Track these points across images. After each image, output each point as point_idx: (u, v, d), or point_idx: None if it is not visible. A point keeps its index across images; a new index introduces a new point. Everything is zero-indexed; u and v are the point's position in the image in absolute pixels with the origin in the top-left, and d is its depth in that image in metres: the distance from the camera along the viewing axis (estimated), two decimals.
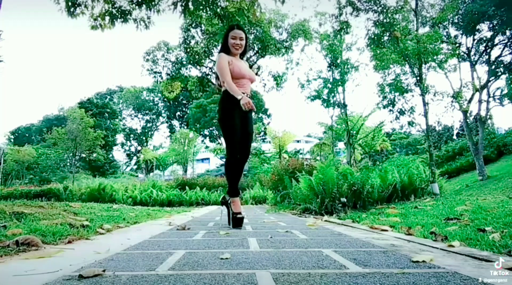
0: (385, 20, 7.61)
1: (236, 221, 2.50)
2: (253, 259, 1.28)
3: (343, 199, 3.89)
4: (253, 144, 24.37)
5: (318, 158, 21.79)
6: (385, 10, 7.61)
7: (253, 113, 2.72)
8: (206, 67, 16.15)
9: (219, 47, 2.80)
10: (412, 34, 7.20)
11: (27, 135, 44.53)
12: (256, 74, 16.34)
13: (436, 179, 5.48)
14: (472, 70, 11.62)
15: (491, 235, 1.56)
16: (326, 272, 1.06)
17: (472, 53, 11.72)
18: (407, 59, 6.81)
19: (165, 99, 42.81)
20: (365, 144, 20.41)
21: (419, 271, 1.06)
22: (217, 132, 38.01)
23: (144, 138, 46.55)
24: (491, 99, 11.54)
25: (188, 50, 15.22)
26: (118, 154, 45.63)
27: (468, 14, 10.70)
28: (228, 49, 2.65)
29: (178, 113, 47.27)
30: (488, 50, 11.73)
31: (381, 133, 19.91)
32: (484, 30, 11.54)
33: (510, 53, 11.46)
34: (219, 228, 2.49)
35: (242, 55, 2.77)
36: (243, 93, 2.50)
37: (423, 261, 1.17)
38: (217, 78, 2.78)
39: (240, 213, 2.52)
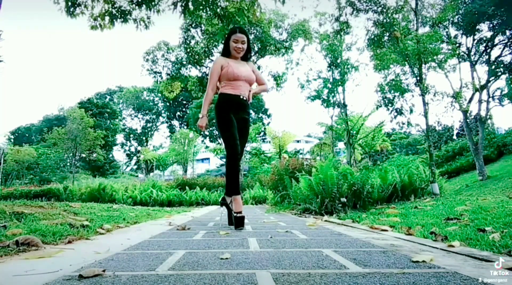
0: (385, 20, 7.61)
1: (237, 221, 2.43)
2: (253, 259, 1.28)
3: (343, 199, 3.89)
4: (253, 144, 24.42)
5: (318, 158, 21.79)
6: (385, 10, 7.61)
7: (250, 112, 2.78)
8: (206, 67, 16.14)
9: (219, 47, 2.83)
10: (412, 34, 7.19)
11: (27, 135, 44.57)
12: None
13: (436, 179, 5.48)
14: (472, 70, 11.62)
15: (491, 235, 1.56)
16: (326, 272, 1.06)
17: (472, 53, 11.72)
18: (407, 59, 6.81)
19: (165, 99, 42.84)
20: (365, 144, 20.41)
21: (419, 271, 1.06)
22: (217, 132, 38.03)
23: (144, 138, 46.57)
24: (491, 99, 11.54)
25: (188, 50, 15.21)
26: (118, 154, 45.71)
27: (468, 14, 10.70)
28: (229, 52, 2.68)
29: (178, 113, 47.31)
30: (488, 50, 11.74)
31: (381, 133, 19.92)
32: (484, 30, 11.56)
33: (510, 53, 11.47)
34: (219, 228, 2.49)
35: (245, 57, 2.78)
36: (236, 96, 2.62)
37: (423, 261, 1.17)
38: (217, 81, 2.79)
39: (241, 212, 2.48)
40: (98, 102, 38.65)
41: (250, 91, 2.74)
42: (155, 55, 16.38)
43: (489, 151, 14.53)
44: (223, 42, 2.92)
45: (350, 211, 3.85)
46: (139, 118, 47.46)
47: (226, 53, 2.71)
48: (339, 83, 13.38)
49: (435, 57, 7.17)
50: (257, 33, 14.60)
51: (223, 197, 2.72)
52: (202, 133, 34.07)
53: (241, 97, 2.64)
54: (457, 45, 11.61)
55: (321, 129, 24.78)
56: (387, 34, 7.71)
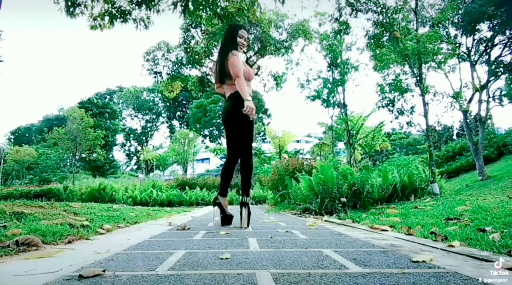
0: (384, 21, 7.61)
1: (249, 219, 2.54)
2: (253, 259, 1.28)
3: (343, 199, 3.89)
4: (253, 144, 24.38)
5: (318, 158, 21.79)
6: (384, 10, 7.61)
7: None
8: (206, 67, 16.15)
9: (219, 46, 2.78)
10: (412, 34, 7.19)
11: (27, 135, 44.60)
12: (256, 74, 16.36)
13: (436, 179, 5.48)
14: (472, 70, 11.61)
15: (491, 235, 1.56)
16: (326, 272, 1.06)
17: (472, 53, 11.71)
18: (407, 59, 6.81)
19: (165, 99, 42.87)
20: (365, 144, 20.42)
21: (419, 271, 1.06)
22: (217, 132, 38.03)
23: (144, 138, 46.58)
24: (491, 99, 11.53)
25: (188, 50, 15.22)
26: (118, 154, 45.73)
27: (468, 14, 10.70)
28: (236, 46, 2.66)
29: (178, 113, 47.34)
30: (488, 50, 11.73)
31: (381, 133, 19.90)
32: (484, 30, 11.54)
33: (510, 53, 11.45)
34: (219, 228, 2.49)
35: None
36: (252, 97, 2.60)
37: (423, 261, 1.17)
38: (221, 76, 2.66)
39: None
40: (98, 102, 38.64)
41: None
42: (155, 55, 16.39)
43: (489, 151, 14.53)
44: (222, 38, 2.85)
45: (350, 211, 3.85)
46: (139, 118, 47.48)
47: (235, 47, 2.64)
48: (339, 83, 13.38)
49: (435, 57, 7.16)
50: (257, 33, 14.60)
51: (217, 196, 2.74)
52: (202, 132, 34.08)
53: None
54: (457, 45, 11.60)
55: (321, 129, 24.79)
56: (387, 34, 7.71)
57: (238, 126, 2.57)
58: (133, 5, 5.47)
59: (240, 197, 2.62)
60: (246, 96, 2.46)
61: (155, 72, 16.57)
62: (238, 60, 2.56)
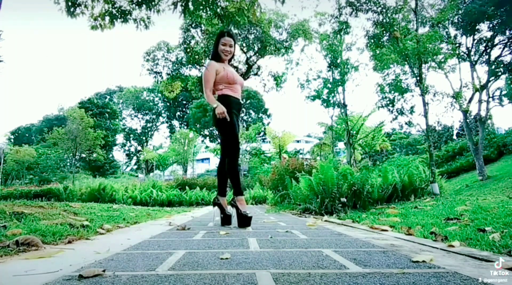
0: (384, 21, 7.61)
1: (247, 220, 2.51)
2: (253, 259, 1.28)
3: (343, 199, 3.89)
4: (253, 144, 24.42)
5: (318, 158, 21.78)
6: (384, 10, 7.61)
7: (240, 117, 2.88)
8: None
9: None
10: (412, 34, 7.20)
11: (27, 135, 44.60)
12: (256, 74, 16.35)
13: (436, 179, 5.48)
14: (472, 70, 11.61)
15: (491, 235, 1.56)
16: (326, 272, 1.06)
17: (472, 53, 11.71)
18: (407, 59, 6.81)
19: (165, 99, 42.85)
20: (365, 144, 20.42)
21: (419, 271, 1.06)
22: (217, 132, 37.98)
23: (144, 138, 46.55)
24: (491, 99, 11.53)
25: (188, 50, 15.22)
26: (118, 154, 45.71)
27: (468, 14, 10.70)
28: (219, 55, 2.76)
29: (178, 113, 47.29)
30: (488, 50, 11.73)
31: (381, 133, 19.90)
32: (484, 30, 11.54)
33: (510, 53, 11.45)
34: (219, 228, 2.49)
35: (230, 61, 2.88)
36: (236, 98, 2.73)
37: (423, 261, 1.17)
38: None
39: (247, 212, 2.56)
40: (98, 102, 38.59)
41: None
42: (155, 55, 16.39)
43: (489, 151, 14.52)
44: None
45: (350, 211, 3.85)
46: (139, 118, 47.45)
47: (216, 56, 2.77)
48: (339, 83, 13.36)
49: (435, 57, 7.16)
50: (257, 33, 14.60)
51: (216, 197, 2.81)
52: (202, 132, 34.07)
53: (240, 99, 2.79)
54: (457, 45, 11.60)
55: (321, 129, 24.79)
56: (387, 34, 7.72)
57: (220, 127, 2.67)
58: (133, 5, 5.47)
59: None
60: (212, 103, 2.61)
61: (155, 72, 16.58)
62: (209, 73, 2.67)
